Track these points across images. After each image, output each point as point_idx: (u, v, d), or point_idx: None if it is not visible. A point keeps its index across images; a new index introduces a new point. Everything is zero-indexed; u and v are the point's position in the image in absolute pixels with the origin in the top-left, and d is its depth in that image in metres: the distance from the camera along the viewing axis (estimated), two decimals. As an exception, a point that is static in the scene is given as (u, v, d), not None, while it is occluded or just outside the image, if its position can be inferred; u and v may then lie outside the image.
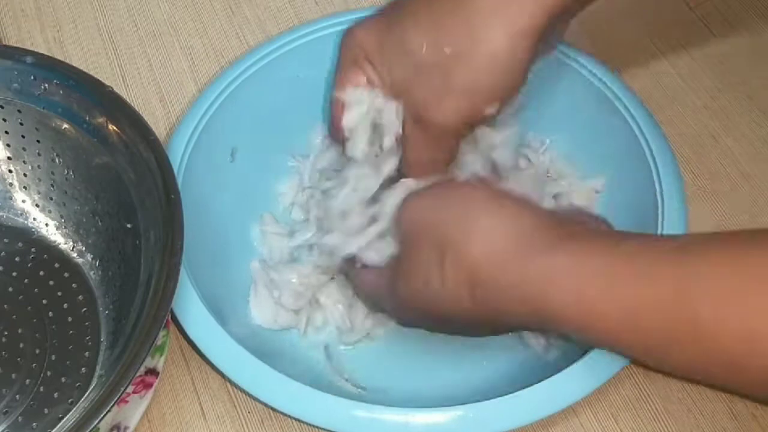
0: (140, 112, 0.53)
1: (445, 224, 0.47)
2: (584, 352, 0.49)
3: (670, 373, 0.52)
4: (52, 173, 0.57)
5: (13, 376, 0.53)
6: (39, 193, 0.58)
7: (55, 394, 0.52)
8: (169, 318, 0.52)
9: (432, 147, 0.51)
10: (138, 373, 0.45)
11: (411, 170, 0.52)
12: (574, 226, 0.46)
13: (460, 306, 0.46)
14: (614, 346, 0.45)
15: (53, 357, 0.53)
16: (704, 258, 0.41)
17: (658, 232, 0.52)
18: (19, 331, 0.54)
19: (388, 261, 0.51)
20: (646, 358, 0.47)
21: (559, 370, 0.48)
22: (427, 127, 0.50)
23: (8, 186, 0.58)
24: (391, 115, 0.51)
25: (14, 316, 0.55)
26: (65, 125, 0.54)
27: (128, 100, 0.54)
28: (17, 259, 0.57)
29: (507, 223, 0.46)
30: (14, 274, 0.57)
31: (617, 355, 0.47)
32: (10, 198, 0.59)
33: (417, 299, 0.48)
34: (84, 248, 0.57)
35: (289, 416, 0.50)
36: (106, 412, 0.43)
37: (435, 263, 0.46)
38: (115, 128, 0.53)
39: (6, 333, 0.54)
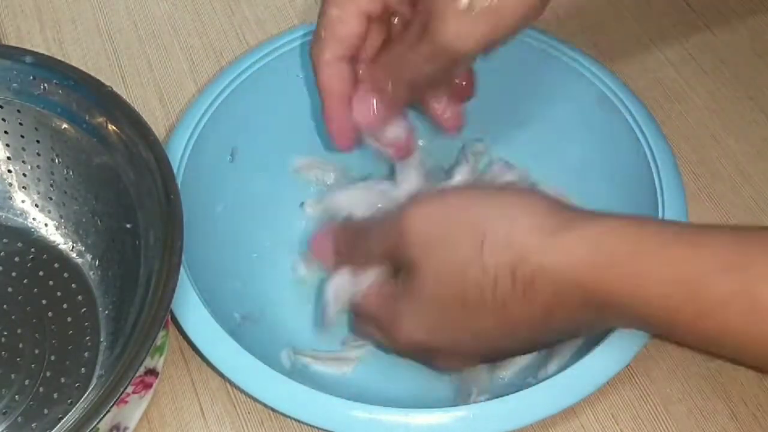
0: (140, 112, 0.53)
1: (474, 216, 0.44)
2: (584, 353, 0.49)
3: (720, 354, 0.52)
4: (52, 173, 0.57)
5: (13, 376, 0.53)
6: (38, 193, 0.58)
7: (55, 395, 0.52)
8: (169, 318, 0.52)
9: (431, 65, 0.47)
10: (138, 374, 0.45)
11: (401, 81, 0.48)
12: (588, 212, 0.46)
13: (503, 299, 0.43)
14: (666, 324, 0.43)
15: (53, 357, 0.53)
16: (759, 240, 0.41)
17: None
18: (19, 331, 0.54)
19: (385, 287, 0.48)
20: (694, 339, 0.45)
21: (560, 370, 0.48)
22: (432, 40, 0.45)
23: (8, 186, 0.58)
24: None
25: (13, 317, 0.55)
26: (65, 125, 0.54)
27: (128, 100, 0.54)
28: (17, 259, 0.57)
29: (538, 202, 0.44)
30: (13, 274, 0.57)
31: (658, 334, 0.46)
32: (10, 198, 0.59)
33: (448, 297, 0.45)
34: (83, 248, 0.57)
35: (289, 416, 0.50)
36: (106, 413, 0.43)
37: (470, 258, 0.43)
38: (114, 128, 0.53)
39: (5, 333, 0.54)
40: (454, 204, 0.46)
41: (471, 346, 0.48)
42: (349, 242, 0.51)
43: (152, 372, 0.51)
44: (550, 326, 0.45)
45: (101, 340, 0.54)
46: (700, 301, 0.40)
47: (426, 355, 0.49)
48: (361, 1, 0.48)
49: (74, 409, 0.43)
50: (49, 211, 0.58)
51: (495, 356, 0.50)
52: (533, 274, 0.43)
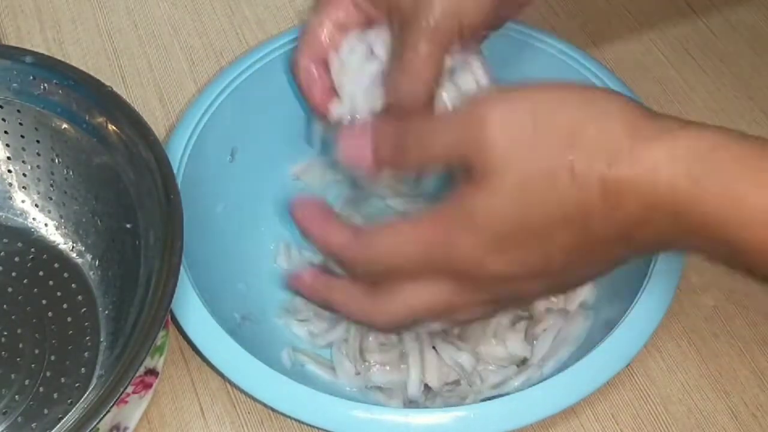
0: (140, 112, 0.53)
1: (565, 117, 0.39)
2: (583, 353, 0.49)
3: None
4: (52, 173, 0.57)
5: (13, 376, 0.53)
6: (38, 193, 0.58)
7: (55, 395, 0.52)
8: (169, 318, 0.52)
9: (425, 54, 0.44)
10: (137, 374, 0.45)
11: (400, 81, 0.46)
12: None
13: (588, 212, 0.38)
14: (760, 254, 0.38)
15: (53, 357, 0.53)
16: None
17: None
18: (19, 331, 0.54)
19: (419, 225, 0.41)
20: None
21: (559, 371, 0.48)
22: (419, 29, 0.44)
23: (7, 186, 0.58)
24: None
25: (13, 317, 0.55)
26: (65, 125, 0.54)
27: (128, 100, 0.54)
28: (16, 259, 0.57)
29: (632, 105, 0.39)
30: (14, 274, 0.57)
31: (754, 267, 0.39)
32: (10, 198, 0.59)
33: (527, 221, 0.39)
34: (83, 248, 0.57)
35: (289, 417, 0.50)
36: (106, 413, 0.43)
37: (559, 164, 0.38)
38: (114, 128, 0.53)
39: (5, 333, 0.54)
40: (543, 101, 0.39)
41: (540, 272, 0.41)
42: (398, 139, 0.42)
43: (152, 372, 0.51)
44: (629, 248, 0.40)
45: (101, 340, 0.54)
46: None
47: (500, 291, 0.42)
48: (335, 12, 0.51)
49: (74, 409, 0.43)
50: (49, 211, 0.58)
51: (557, 288, 0.46)
52: (625, 184, 0.38)
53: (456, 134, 0.40)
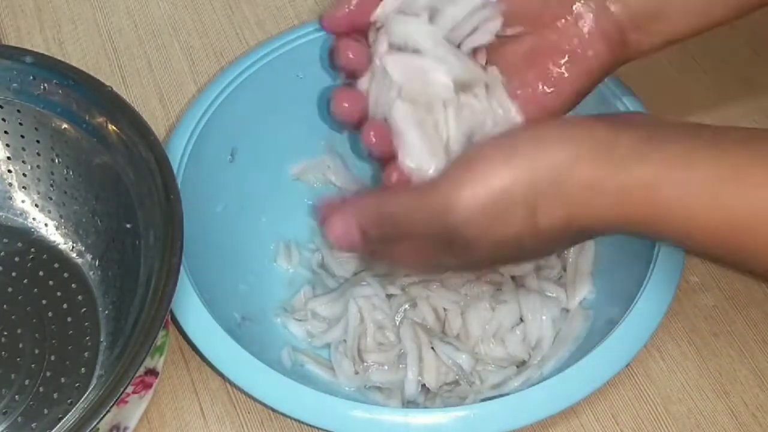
0: (140, 112, 0.53)
1: (522, 185, 0.43)
2: (583, 353, 0.49)
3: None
4: (52, 173, 0.57)
5: (13, 376, 0.53)
6: (38, 193, 0.58)
7: (55, 395, 0.52)
8: (169, 318, 0.52)
9: None
10: (137, 374, 0.45)
11: None
12: (647, 127, 0.44)
13: (552, 241, 0.44)
14: (712, 251, 0.43)
15: (53, 357, 0.53)
16: None
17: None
18: (19, 331, 0.54)
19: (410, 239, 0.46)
20: (744, 266, 0.46)
21: (559, 371, 0.48)
22: None
23: (8, 186, 0.58)
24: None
25: (14, 317, 0.55)
26: (65, 125, 0.54)
27: (128, 100, 0.54)
28: (17, 259, 0.57)
29: (582, 149, 0.43)
30: (14, 274, 0.57)
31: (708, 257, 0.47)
32: (10, 198, 0.59)
33: (500, 257, 0.46)
34: (83, 248, 0.57)
35: (289, 416, 0.50)
36: (106, 413, 0.43)
37: (525, 229, 0.43)
38: (114, 128, 0.53)
39: (5, 333, 0.54)
40: (500, 177, 0.43)
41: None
42: (382, 222, 0.46)
43: (152, 372, 0.51)
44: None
45: (101, 340, 0.54)
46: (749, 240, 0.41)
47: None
48: None
49: (74, 409, 0.43)
50: (49, 211, 0.58)
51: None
52: (589, 225, 0.43)
53: (433, 224, 0.44)
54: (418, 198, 0.45)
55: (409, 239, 0.46)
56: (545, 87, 0.48)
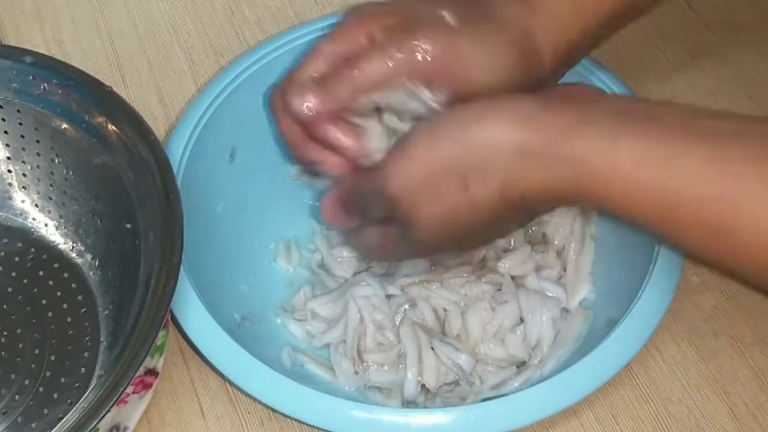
0: (139, 112, 0.53)
1: (451, 160, 0.45)
2: (583, 353, 0.49)
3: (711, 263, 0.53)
4: (52, 173, 0.57)
5: (13, 376, 0.53)
6: (38, 193, 0.58)
7: (55, 395, 0.52)
8: (169, 318, 0.52)
9: None
10: (137, 374, 0.45)
11: None
12: (585, 101, 0.46)
13: (493, 215, 0.46)
14: (653, 229, 0.45)
15: (52, 357, 0.53)
16: (742, 157, 0.41)
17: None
18: (19, 331, 0.54)
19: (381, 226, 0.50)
20: (682, 245, 0.47)
21: (559, 371, 0.48)
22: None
23: (7, 186, 0.58)
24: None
25: (13, 317, 0.55)
26: (65, 125, 0.54)
27: (128, 100, 0.54)
28: (17, 259, 0.57)
29: (508, 120, 0.45)
30: (13, 274, 0.57)
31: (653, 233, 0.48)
32: (10, 198, 0.59)
33: (443, 232, 0.47)
34: (83, 248, 0.57)
35: (289, 417, 0.50)
36: (106, 413, 0.43)
37: (458, 200, 0.46)
38: (114, 128, 0.53)
39: (5, 333, 0.54)
40: (428, 154, 0.46)
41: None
42: (354, 203, 0.51)
43: (152, 372, 0.51)
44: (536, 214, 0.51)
45: (101, 340, 0.54)
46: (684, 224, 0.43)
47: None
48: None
49: (74, 409, 0.43)
50: (49, 211, 0.58)
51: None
52: (522, 194, 0.45)
53: (381, 202, 0.48)
54: (367, 177, 0.49)
55: (374, 221, 0.50)
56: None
